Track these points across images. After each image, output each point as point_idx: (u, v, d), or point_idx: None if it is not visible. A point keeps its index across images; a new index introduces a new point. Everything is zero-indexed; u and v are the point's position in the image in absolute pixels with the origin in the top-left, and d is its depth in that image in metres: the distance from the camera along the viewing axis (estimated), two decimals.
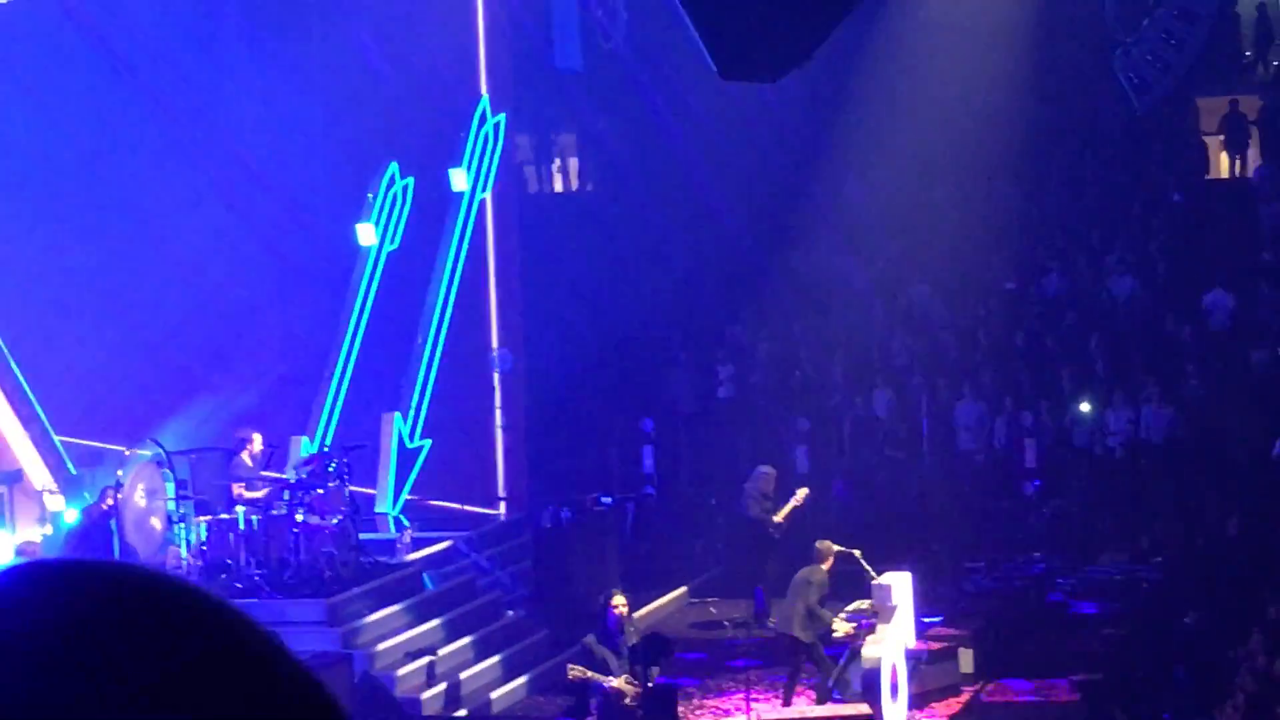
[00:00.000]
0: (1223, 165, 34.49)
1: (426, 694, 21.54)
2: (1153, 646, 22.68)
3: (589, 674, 18.05)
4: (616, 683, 17.95)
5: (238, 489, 22.35)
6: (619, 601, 18.70)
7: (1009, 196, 32.50)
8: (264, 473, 22.90)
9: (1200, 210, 33.00)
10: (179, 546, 22.06)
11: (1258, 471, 27.68)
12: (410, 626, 22.64)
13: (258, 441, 23.00)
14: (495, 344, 29.16)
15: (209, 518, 22.06)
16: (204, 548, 21.89)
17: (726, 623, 25.60)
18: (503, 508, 28.16)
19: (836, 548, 21.08)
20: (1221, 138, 34.18)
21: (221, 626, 1.43)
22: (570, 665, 18.36)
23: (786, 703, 20.86)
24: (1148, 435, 29.44)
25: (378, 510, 25.55)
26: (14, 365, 23.91)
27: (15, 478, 23.41)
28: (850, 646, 20.47)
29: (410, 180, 26.79)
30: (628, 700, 18.13)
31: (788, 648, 21.06)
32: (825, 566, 20.90)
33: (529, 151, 34.78)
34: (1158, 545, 26.61)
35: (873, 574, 20.93)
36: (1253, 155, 34.01)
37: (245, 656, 1.41)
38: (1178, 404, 29.49)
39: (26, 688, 1.33)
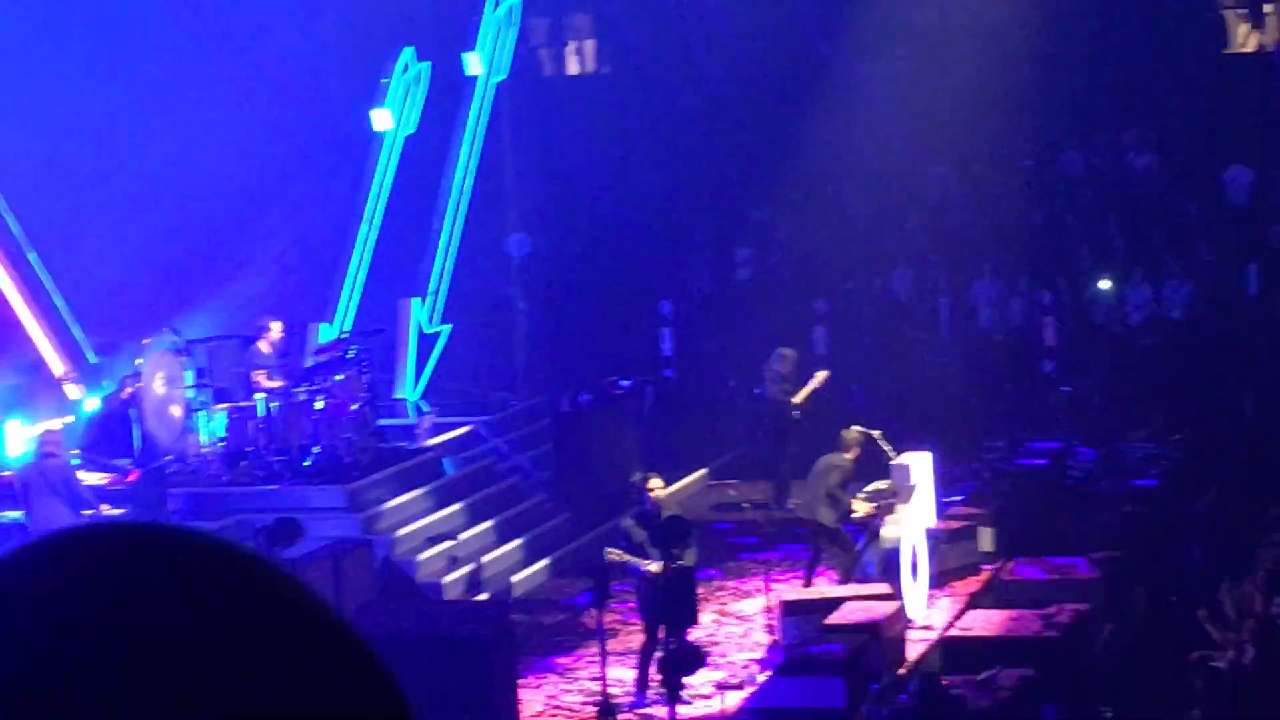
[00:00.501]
0: (1242, 38, 34.15)
1: (448, 578, 21.62)
2: (1171, 524, 22.73)
3: (626, 557, 17.93)
4: (655, 566, 17.82)
5: (257, 377, 22.36)
6: (655, 485, 18.59)
7: (1026, 74, 32.24)
8: (282, 360, 22.91)
9: (1219, 85, 32.72)
10: (198, 434, 22.14)
11: (1276, 349, 27.63)
12: (431, 511, 22.72)
13: (277, 330, 22.98)
14: (513, 228, 29.11)
15: (228, 405, 22.11)
16: (224, 436, 21.96)
17: (746, 505, 25.76)
18: (522, 392, 28.18)
19: (859, 431, 21.02)
20: (1241, 10, 33.82)
21: (289, 600, 1.37)
22: (608, 549, 18.26)
23: (807, 584, 20.92)
24: (1167, 312, 29.39)
25: (397, 396, 25.60)
26: (33, 255, 23.91)
27: (35, 367, 23.46)
28: (869, 527, 20.51)
29: (426, 65, 26.66)
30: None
31: (810, 531, 21.09)
32: (850, 455, 20.81)
33: (544, 34, 34.53)
34: (1177, 423, 26.58)
35: (892, 454, 20.93)
36: (1272, 27, 33.66)
37: (311, 636, 1.36)
38: (1196, 280, 29.41)
39: (73, 658, 1.30)
